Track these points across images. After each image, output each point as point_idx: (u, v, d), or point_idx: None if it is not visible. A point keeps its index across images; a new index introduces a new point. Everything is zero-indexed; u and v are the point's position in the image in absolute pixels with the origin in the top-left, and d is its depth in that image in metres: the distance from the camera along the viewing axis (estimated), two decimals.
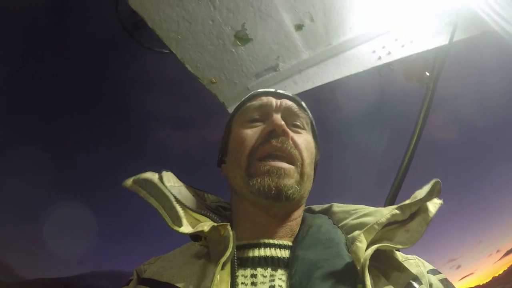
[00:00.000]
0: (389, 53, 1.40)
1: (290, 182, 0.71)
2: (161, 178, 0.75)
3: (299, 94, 1.56)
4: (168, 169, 0.81)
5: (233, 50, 1.49)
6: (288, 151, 0.73)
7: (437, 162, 40.58)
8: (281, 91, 0.86)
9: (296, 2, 1.37)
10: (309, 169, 0.77)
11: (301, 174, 0.75)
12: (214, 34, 1.44)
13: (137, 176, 0.73)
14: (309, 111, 0.89)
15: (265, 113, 0.81)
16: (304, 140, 0.79)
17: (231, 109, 1.42)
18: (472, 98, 58.47)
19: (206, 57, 1.50)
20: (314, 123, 0.89)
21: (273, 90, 0.87)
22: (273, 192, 0.69)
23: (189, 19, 1.39)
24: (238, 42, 1.47)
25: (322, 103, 34.81)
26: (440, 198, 0.69)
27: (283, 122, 0.75)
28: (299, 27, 1.45)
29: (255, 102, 0.83)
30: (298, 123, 0.82)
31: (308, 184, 0.78)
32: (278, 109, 0.81)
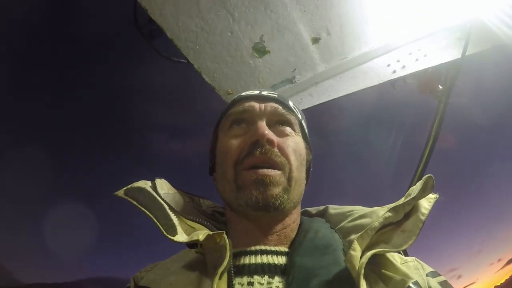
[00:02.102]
0: (403, 66, 1.44)
1: (276, 191, 0.69)
2: (154, 186, 0.74)
3: (315, 107, 1.57)
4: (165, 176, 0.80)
5: (251, 62, 1.50)
6: (274, 161, 0.71)
7: (438, 172, 41.73)
8: (265, 93, 0.83)
9: (313, 16, 1.40)
10: (297, 173, 0.75)
11: (289, 179, 0.73)
12: (232, 45, 1.44)
13: (129, 186, 0.71)
14: (297, 111, 0.86)
15: (249, 119, 0.78)
16: (291, 143, 0.76)
17: None
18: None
19: (224, 68, 1.49)
20: (304, 122, 0.87)
21: (257, 92, 0.83)
22: (260, 204, 0.68)
23: (207, 30, 1.39)
24: (256, 54, 1.48)
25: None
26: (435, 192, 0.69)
27: (267, 131, 0.73)
28: (315, 40, 1.47)
29: (238, 109, 0.80)
30: (285, 125, 0.79)
31: (298, 189, 0.76)
32: (263, 114, 0.77)
